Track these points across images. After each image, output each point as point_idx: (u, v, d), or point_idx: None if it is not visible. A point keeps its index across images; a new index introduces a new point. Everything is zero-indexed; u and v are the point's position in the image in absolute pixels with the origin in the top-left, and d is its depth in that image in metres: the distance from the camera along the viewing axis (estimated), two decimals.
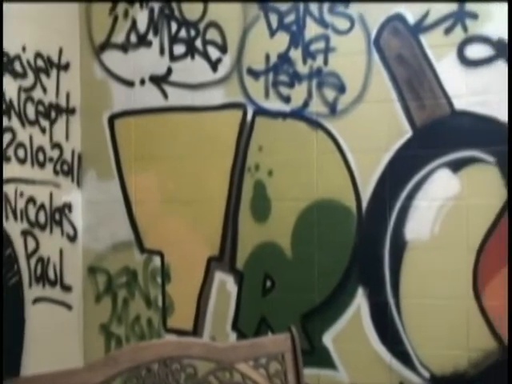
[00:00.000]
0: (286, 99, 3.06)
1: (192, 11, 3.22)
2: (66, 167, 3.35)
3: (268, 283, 3.08)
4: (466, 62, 2.79)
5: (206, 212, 3.18)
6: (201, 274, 3.20)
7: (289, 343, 2.41)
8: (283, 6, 3.05)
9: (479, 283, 2.78)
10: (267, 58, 3.08)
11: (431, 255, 2.83)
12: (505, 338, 2.74)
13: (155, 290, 3.29)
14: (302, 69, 3.03)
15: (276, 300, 3.07)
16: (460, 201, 2.80)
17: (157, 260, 3.30)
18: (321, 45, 3.00)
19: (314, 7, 3.00)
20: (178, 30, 3.24)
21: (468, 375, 2.79)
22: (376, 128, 2.91)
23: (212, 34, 3.18)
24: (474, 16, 2.76)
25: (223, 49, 3.17)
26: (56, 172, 3.29)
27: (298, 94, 3.04)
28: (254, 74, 3.11)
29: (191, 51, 3.22)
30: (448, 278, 2.81)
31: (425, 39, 2.84)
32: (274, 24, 3.07)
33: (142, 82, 3.31)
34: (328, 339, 2.99)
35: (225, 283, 3.17)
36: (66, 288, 3.32)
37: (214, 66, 3.18)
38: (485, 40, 2.76)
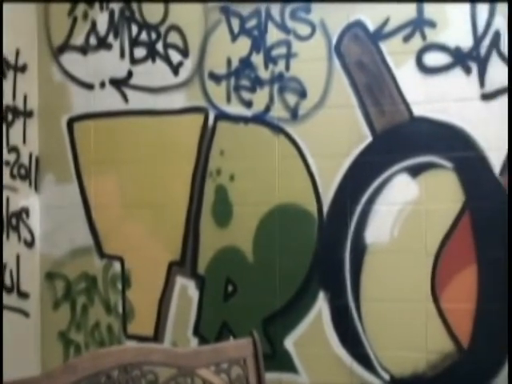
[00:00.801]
0: (248, 104, 3.06)
1: (153, 14, 3.19)
2: (23, 171, 3.28)
3: (230, 288, 3.08)
4: (425, 69, 2.84)
5: (167, 217, 3.16)
6: (162, 279, 3.17)
7: (250, 348, 2.41)
8: (245, 11, 3.05)
9: (437, 286, 2.83)
10: (229, 62, 3.08)
11: (391, 259, 2.88)
12: (462, 340, 2.80)
13: (115, 296, 3.25)
14: (264, 74, 3.04)
15: (238, 304, 3.07)
16: (419, 205, 2.85)
17: (117, 265, 3.25)
18: (282, 50, 3.01)
19: (275, 12, 3.01)
20: (139, 33, 3.21)
21: (426, 377, 2.84)
22: (337, 133, 2.94)
23: (173, 38, 3.16)
24: (432, 24, 2.82)
25: (184, 52, 3.15)
26: (13, 176, 3.22)
27: (260, 98, 3.05)
28: (215, 78, 3.10)
29: (152, 54, 3.19)
30: (407, 281, 2.86)
31: (384, 46, 2.89)
32: (236, 28, 3.07)
33: (102, 84, 3.27)
34: (289, 343, 3.00)
35: (186, 288, 3.15)
36: (23, 295, 3.25)
37: (176, 69, 3.16)
38: (442, 48, 2.81)
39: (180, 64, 3.16)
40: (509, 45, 2.77)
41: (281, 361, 3.00)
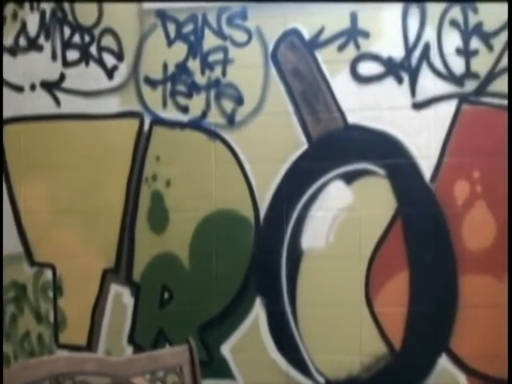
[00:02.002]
0: (184, 109, 3.04)
1: (86, 16, 3.12)
2: None
3: (166, 295, 3.04)
4: (359, 78, 2.91)
5: (101, 223, 3.10)
6: (95, 287, 3.10)
7: (187, 355, 2.39)
8: (181, 16, 3.03)
9: (371, 290, 2.90)
10: (165, 67, 3.05)
11: (326, 264, 2.92)
12: (394, 343, 2.88)
13: (46, 305, 3.16)
14: (200, 79, 3.03)
15: (174, 312, 3.04)
16: (353, 211, 2.91)
17: (48, 273, 3.16)
18: (219, 56, 3.01)
19: (212, 18, 3.01)
20: (72, 35, 3.13)
21: (360, 379, 2.91)
22: (273, 140, 2.96)
23: (107, 41, 3.10)
24: (366, 34, 2.89)
25: (119, 56, 3.10)
26: None
27: (196, 104, 3.03)
28: (151, 82, 3.07)
29: (85, 57, 3.12)
30: (342, 285, 2.91)
31: (320, 55, 2.93)
32: (172, 33, 3.04)
33: (33, 87, 3.17)
34: (226, 349, 3.00)
35: (121, 296, 3.09)
36: None
37: (110, 73, 3.11)
38: (376, 58, 2.89)
39: (114, 68, 3.10)
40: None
41: (217, 367, 3.00)
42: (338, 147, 2.93)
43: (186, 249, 3.04)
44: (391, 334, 2.89)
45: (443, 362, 2.86)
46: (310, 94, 2.95)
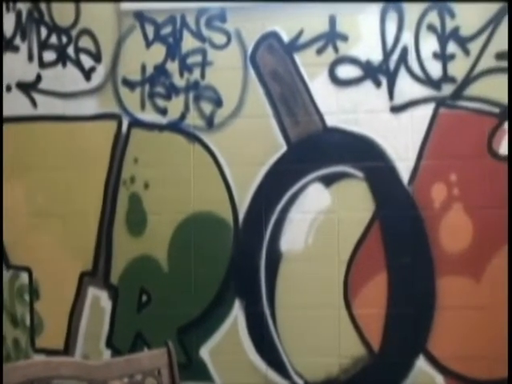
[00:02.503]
0: (163, 111, 3.03)
1: (63, 17, 3.10)
2: None
3: (144, 298, 3.03)
4: (337, 81, 2.92)
5: (79, 226, 3.07)
6: (72, 290, 3.07)
7: (165, 358, 2.39)
8: (159, 18, 3.02)
9: (350, 293, 2.92)
10: (143, 68, 3.04)
11: (305, 266, 2.93)
12: (373, 344, 2.90)
13: (22, 309, 3.12)
14: (179, 81, 3.02)
15: (152, 315, 3.02)
16: (331, 214, 2.93)
17: (24, 276, 3.12)
18: (198, 58, 3.00)
19: (191, 20, 3.00)
20: (49, 36, 3.10)
21: (339, 381, 2.92)
22: (252, 142, 2.97)
23: (85, 42, 3.08)
24: (344, 38, 2.91)
25: (97, 57, 3.07)
26: None
27: (175, 106, 3.03)
28: (129, 84, 3.05)
29: (63, 59, 3.09)
30: (320, 288, 2.92)
31: (298, 58, 2.95)
32: (150, 35, 3.03)
33: (9, 88, 3.13)
34: (205, 352, 2.99)
35: (98, 299, 3.07)
36: None
37: (87, 74, 3.08)
38: (354, 61, 2.91)
39: (92, 69, 3.08)
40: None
41: (196, 370, 2.98)
42: (317, 150, 2.94)
43: (165, 251, 3.03)
44: (369, 335, 2.91)
45: (421, 363, 2.88)
46: (288, 97, 2.96)
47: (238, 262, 2.98)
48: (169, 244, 3.02)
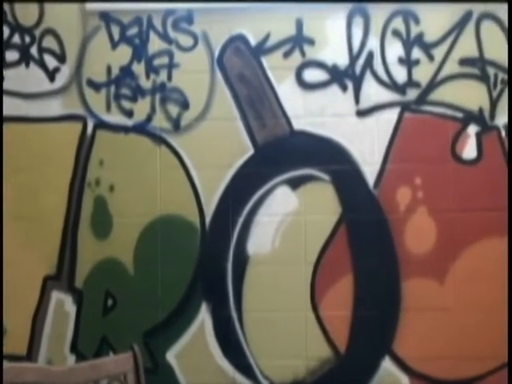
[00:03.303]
0: (129, 113, 3.00)
1: (26, 16, 3.03)
2: None
3: (109, 301, 2.99)
4: (304, 84, 2.94)
5: (42, 229, 3.01)
6: (36, 295, 3.02)
7: (131, 362, 2.38)
8: (125, 19, 2.99)
9: (316, 295, 2.94)
10: (109, 70, 3.00)
11: (272, 269, 2.95)
12: (339, 346, 2.93)
13: None
14: (145, 83, 2.99)
15: (118, 318, 2.99)
16: (298, 216, 2.95)
17: None
18: (164, 60, 2.99)
19: (157, 22, 2.98)
20: (11, 36, 3.04)
21: (306, 383, 2.94)
22: (219, 145, 2.97)
23: (49, 42, 3.03)
24: (311, 42, 2.93)
25: (61, 58, 3.02)
26: None
27: (141, 108, 3.00)
28: (94, 85, 3.01)
29: (26, 59, 3.03)
30: (288, 290, 2.94)
31: (265, 61, 2.95)
32: (116, 36, 3.00)
33: None
34: (171, 356, 2.97)
35: (62, 303, 3.02)
36: None
37: (51, 75, 3.03)
38: (321, 65, 2.93)
39: (56, 70, 3.03)
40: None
41: (163, 374, 2.97)
42: (284, 153, 2.95)
43: (131, 254, 3.00)
44: (336, 337, 2.94)
45: (386, 364, 2.93)
46: (255, 100, 2.97)
47: (204, 264, 2.97)
48: (135, 247, 2.99)
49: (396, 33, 2.90)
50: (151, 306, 2.98)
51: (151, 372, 2.91)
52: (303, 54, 2.94)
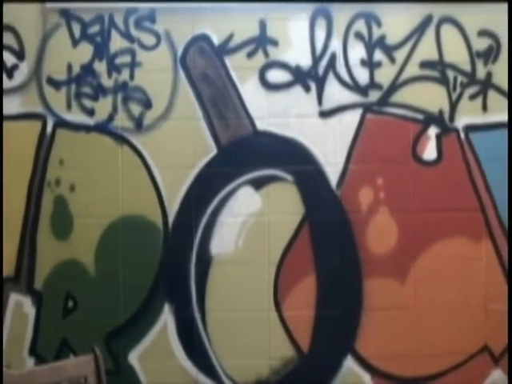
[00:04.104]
0: (90, 112, 2.96)
1: None
2: None
3: (70, 303, 2.95)
4: (267, 85, 2.95)
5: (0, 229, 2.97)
6: None
7: (92, 365, 2.36)
8: (87, 16, 2.95)
9: (279, 295, 2.96)
10: (69, 68, 2.95)
11: (235, 269, 2.95)
12: (302, 345, 2.95)
13: None
14: (107, 82, 2.96)
15: (78, 320, 2.95)
16: (262, 217, 2.96)
17: None
18: (126, 59, 2.96)
19: (119, 20, 2.95)
20: None
21: (269, 382, 2.95)
22: (182, 145, 2.95)
23: (7, 39, 2.96)
24: (275, 43, 2.94)
25: (20, 55, 2.96)
26: None
27: (103, 107, 2.97)
28: (54, 83, 2.96)
29: None
30: (251, 290, 2.95)
31: (229, 61, 2.96)
32: (77, 33, 2.95)
33: None
34: (134, 358, 2.95)
35: (21, 305, 2.96)
36: None
37: (10, 72, 2.96)
38: (284, 66, 2.95)
39: (15, 67, 2.96)
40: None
41: (125, 376, 2.94)
42: (247, 153, 2.96)
43: (92, 255, 2.96)
44: (299, 337, 2.95)
45: (349, 362, 2.96)
46: (219, 100, 2.96)
47: (167, 265, 2.96)
48: (96, 248, 2.96)
49: (358, 35, 2.93)
50: (113, 307, 2.95)
51: (113, 374, 2.89)
52: (267, 54, 2.95)
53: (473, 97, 2.95)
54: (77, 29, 2.96)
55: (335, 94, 2.94)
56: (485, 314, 2.97)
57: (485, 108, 2.95)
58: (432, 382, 2.97)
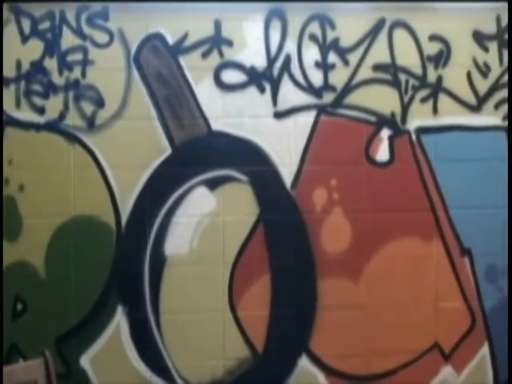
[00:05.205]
0: (40, 110, 2.89)
1: None
2: None
3: (19, 306, 2.88)
4: (222, 85, 2.95)
5: None
6: None
7: (42, 369, 2.32)
8: (37, 12, 2.88)
9: (234, 295, 2.96)
10: (18, 65, 2.88)
11: (190, 270, 2.94)
12: (257, 345, 2.96)
13: None
14: (58, 79, 2.90)
15: (28, 324, 2.88)
16: (216, 217, 2.95)
17: None
18: (78, 56, 2.90)
19: (71, 17, 2.89)
20: None
21: (224, 382, 2.95)
22: (136, 144, 2.92)
23: None
24: (230, 43, 2.94)
25: None
26: None
27: (54, 105, 2.90)
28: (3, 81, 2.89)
29: None
30: (206, 291, 2.94)
31: (183, 61, 2.94)
32: (27, 30, 2.88)
33: None
34: (86, 361, 2.90)
35: None
36: None
37: None
38: (239, 66, 2.95)
39: None
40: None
41: (76, 380, 2.89)
42: (202, 153, 2.95)
43: (42, 257, 2.90)
44: (254, 337, 2.97)
45: (303, 362, 2.99)
46: (173, 100, 2.94)
47: (120, 266, 2.92)
48: (46, 249, 2.90)
49: (313, 37, 2.96)
50: (64, 310, 2.89)
51: (64, 378, 2.84)
52: (221, 54, 2.94)
53: (424, 100, 3.02)
54: (27, 25, 2.89)
55: (290, 95, 2.96)
56: (435, 313, 3.05)
57: (435, 111, 3.03)
58: (385, 380, 3.03)
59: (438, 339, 3.06)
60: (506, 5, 3.03)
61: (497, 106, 3.05)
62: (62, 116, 2.91)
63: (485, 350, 3.08)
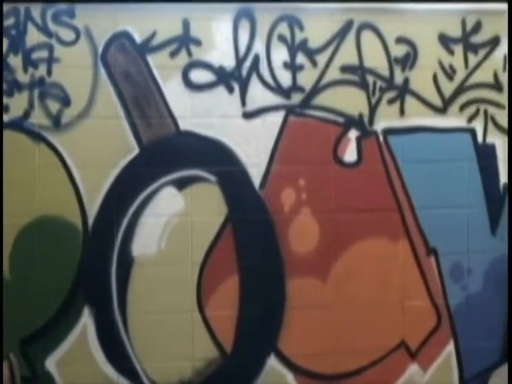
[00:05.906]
0: (4, 108, 2.84)
1: None
2: None
3: None
4: (190, 85, 2.94)
5: None
6: None
7: (6, 372, 2.29)
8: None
9: (203, 295, 2.95)
10: None
11: (158, 270, 2.92)
12: (225, 345, 2.95)
13: None
14: (23, 77, 2.85)
15: None
16: (185, 217, 2.94)
17: None
18: (44, 54, 2.86)
19: (36, 14, 2.85)
20: None
21: (192, 383, 2.94)
22: (103, 144, 2.89)
23: None
24: (198, 42, 2.92)
25: None
26: None
27: (18, 103, 2.86)
28: None
29: None
30: (174, 291, 2.93)
31: (151, 59, 2.91)
32: None
33: None
34: (51, 363, 2.86)
35: None
36: None
37: None
38: (207, 66, 2.94)
39: None
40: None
41: (42, 383, 2.84)
42: (170, 153, 2.93)
43: (6, 258, 2.84)
44: (222, 337, 2.96)
45: (272, 362, 2.99)
46: (141, 99, 2.91)
47: (87, 268, 2.88)
48: (10, 250, 2.85)
49: (281, 38, 2.96)
50: (29, 312, 2.85)
51: (29, 381, 2.80)
52: (190, 54, 2.93)
53: (391, 101, 3.05)
54: None
55: (258, 95, 2.96)
56: (402, 311, 3.08)
57: (402, 112, 3.06)
58: (352, 378, 3.05)
59: (404, 337, 3.09)
60: (470, 8, 3.07)
61: (462, 108, 3.10)
62: (26, 114, 2.86)
63: (450, 347, 3.13)
